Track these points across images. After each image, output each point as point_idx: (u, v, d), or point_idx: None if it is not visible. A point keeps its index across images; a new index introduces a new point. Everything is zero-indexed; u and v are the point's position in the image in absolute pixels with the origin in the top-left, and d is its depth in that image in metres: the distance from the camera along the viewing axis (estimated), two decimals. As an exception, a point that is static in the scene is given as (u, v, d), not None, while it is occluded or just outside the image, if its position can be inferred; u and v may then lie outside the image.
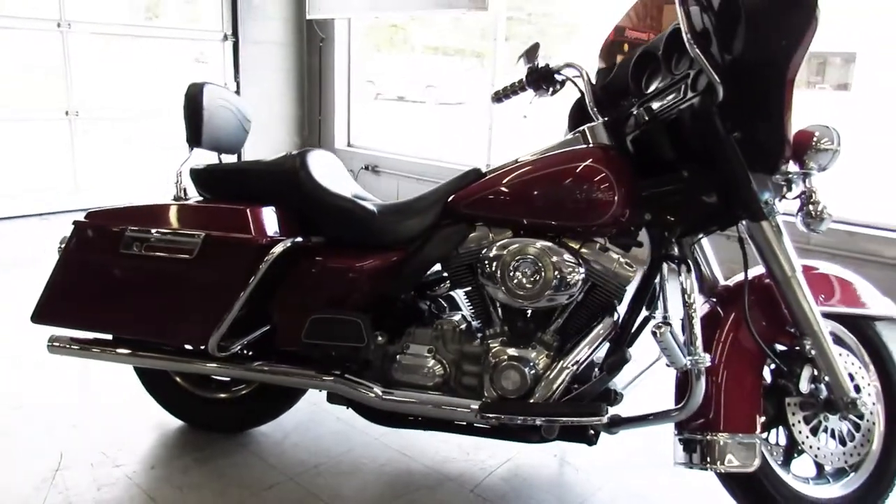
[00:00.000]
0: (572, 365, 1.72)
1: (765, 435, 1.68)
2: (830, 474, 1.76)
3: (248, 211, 1.78)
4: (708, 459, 1.60)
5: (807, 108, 1.81)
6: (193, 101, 1.91)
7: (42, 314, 1.87)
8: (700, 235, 1.77)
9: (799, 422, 1.69)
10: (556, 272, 1.66)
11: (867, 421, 1.72)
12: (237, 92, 5.70)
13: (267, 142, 5.96)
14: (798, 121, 1.65)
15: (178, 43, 5.58)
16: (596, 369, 1.79)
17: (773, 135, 1.56)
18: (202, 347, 1.78)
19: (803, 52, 1.50)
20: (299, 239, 1.81)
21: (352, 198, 1.91)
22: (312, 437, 2.13)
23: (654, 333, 1.51)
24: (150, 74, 5.38)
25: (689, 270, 1.62)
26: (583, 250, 1.73)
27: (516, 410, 1.69)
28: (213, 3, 5.59)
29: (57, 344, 1.95)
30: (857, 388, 1.68)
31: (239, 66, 5.70)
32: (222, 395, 2.11)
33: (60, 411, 2.21)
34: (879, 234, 3.47)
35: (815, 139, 1.62)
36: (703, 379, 1.55)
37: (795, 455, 1.74)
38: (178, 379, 2.11)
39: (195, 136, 1.92)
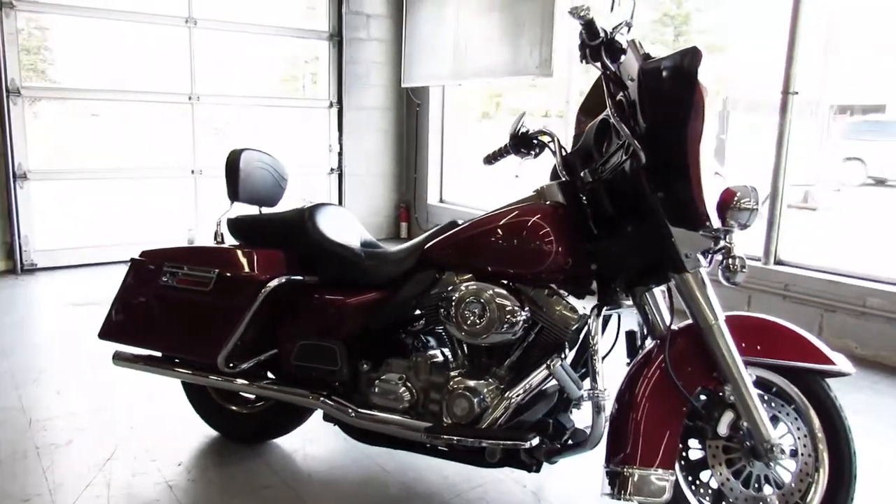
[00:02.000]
0: (516, 397, 1.92)
1: (674, 474, 1.76)
2: None
3: (253, 253, 2.18)
4: (622, 491, 1.74)
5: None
6: (232, 164, 2.34)
7: (105, 332, 2.34)
8: (651, 286, 1.93)
9: (720, 464, 1.79)
10: (500, 313, 1.89)
11: (802, 472, 1.79)
12: (340, 153, 6.34)
13: (367, 196, 6.53)
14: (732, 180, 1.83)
15: (291, 111, 6.32)
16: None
17: (686, 195, 1.74)
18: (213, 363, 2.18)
19: (700, 122, 1.68)
20: (293, 277, 2.17)
21: (345, 244, 2.23)
22: (317, 450, 2.45)
23: (547, 366, 1.70)
24: (268, 139, 6.13)
25: (598, 316, 1.80)
26: (532, 295, 1.95)
27: (454, 433, 1.91)
28: (322, 75, 6.31)
29: (119, 359, 2.41)
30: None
31: (343, 129, 6.34)
32: (244, 410, 2.49)
33: (125, 413, 2.69)
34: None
35: (735, 198, 1.77)
36: (602, 414, 1.72)
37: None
38: (212, 393, 2.51)
39: (233, 192, 2.34)
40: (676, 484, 1.78)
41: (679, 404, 1.79)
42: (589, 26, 1.66)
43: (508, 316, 1.90)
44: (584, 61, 1.75)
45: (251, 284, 2.12)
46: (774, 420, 1.83)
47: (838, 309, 3.63)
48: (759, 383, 1.85)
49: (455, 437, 1.90)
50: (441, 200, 6.59)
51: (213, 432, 2.55)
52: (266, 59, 6.21)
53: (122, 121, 5.66)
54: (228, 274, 2.16)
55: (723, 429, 1.79)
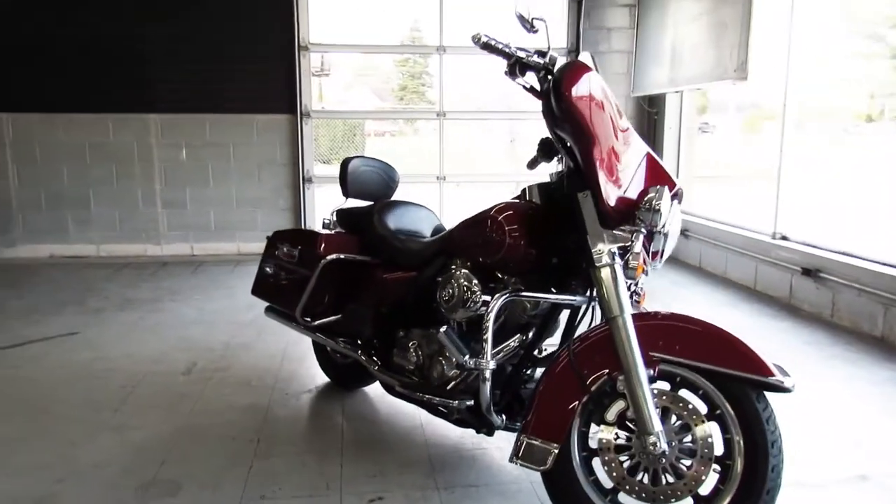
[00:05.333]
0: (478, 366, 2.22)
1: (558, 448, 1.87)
2: None
3: (329, 236, 2.79)
4: (515, 455, 1.94)
5: None
6: (343, 168, 2.98)
7: (253, 289, 3.19)
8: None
9: (609, 449, 1.88)
10: (461, 294, 2.22)
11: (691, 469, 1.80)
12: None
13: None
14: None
15: (530, 124, 6.85)
16: None
17: (594, 195, 1.89)
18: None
19: (588, 131, 1.82)
20: (346, 255, 2.73)
21: (395, 231, 2.71)
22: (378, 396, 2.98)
23: (436, 332, 1.99)
24: (506, 150, 6.77)
25: (498, 300, 2.01)
26: (506, 280, 2.22)
27: (411, 388, 2.30)
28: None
29: (269, 313, 3.25)
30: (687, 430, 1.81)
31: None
32: (342, 363, 3.13)
33: (273, 354, 3.55)
34: None
35: (644, 200, 1.86)
36: (487, 383, 1.95)
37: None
38: (327, 349, 3.21)
39: (344, 190, 3.00)
40: (566, 460, 1.90)
41: (577, 388, 1.92)
42: (487, 48, 1.91)
43: (468, 295, 2.21)
44: (506, 76, 2.00)
45: (316, 259, 2.74)
46: (685, 429, 1.85)
47: None
48: (686, 384, 1.88)
49: (411, 391, 2.30)
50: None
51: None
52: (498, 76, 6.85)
53: (378, 135, 6.84)
54: (305, 251, 2.82)
55: (611, 416, 1.88)
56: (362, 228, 2.83)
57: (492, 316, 2.01)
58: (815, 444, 2.59)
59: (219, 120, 6.27)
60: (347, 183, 2.93)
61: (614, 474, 1.88)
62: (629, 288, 2.18)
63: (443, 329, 2.08)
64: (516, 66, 1.95)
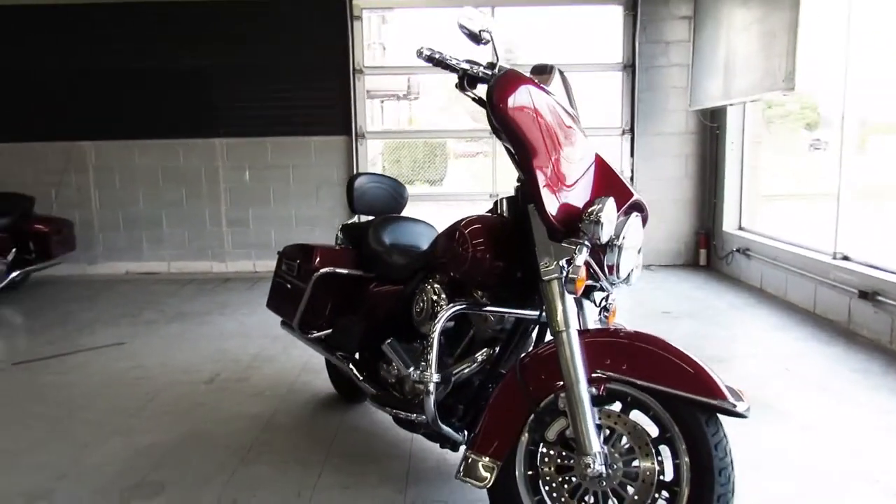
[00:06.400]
0: (445, 379, 2.21)
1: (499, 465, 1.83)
2: None
3: (316, 249, 2.86)
4: (459, 471, 1.91)
5: None
6: (349, 185, 3.06)
7: (267, 303, 3.30)
8: None
9: (550, 468, 1.82)
10: (429, 307, 2.23)
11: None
12: (631, 178, 6.50)
13: (665, 221, 6.55)
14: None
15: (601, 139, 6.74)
16: None
17: (538, 207, 1.85)
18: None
19: (524, 142, 1.79)
20: (338, 269, 2.78)
21: (390, 248, 2.75)
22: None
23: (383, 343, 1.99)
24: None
25: (446, 312, 1.99)
26: (476, 295, 2.21)
27: (378, 401, 2.31)
28: (615, 104, 6.58)
29: (283, 326, 3.36)
30: (631, 451, 1.75)
31: (634, 153, 6.49)
32: (343, 376, 3.18)
33: (293, 367, 3.64)
34: None
35: (585, 213, 1.80)
36: (431, 396, 1.93)
37: None
38: (334, 363, 3.27)
39: (351, 206, 3.08)
40: (508, 477, 1.85)
41: (523, 404, 1.87)
42: (433, 62, 1.92)
43: (436, 309, 2.21)
44: (457, 88, 2.00)
45: (310, 272, 2.82)
46: (631, 451, 1.77)
47: None
48: (637, 404, 1.80)
49: (380, 405, 2.31)
50: (740, 228, 6.17)
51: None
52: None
53: (469, 156, 6.89)
54: (302, 264, 2.90)
55: (551, 434, 1.82)
56: (360, 243, 2.89)
57: (437, 328, 2.00)
58: (827, 479, 2.40)
59: (279, 143, 6.56)
60: (354, 199, 2.99)
61: (554, 495, 1.81)
62: (600, 303, 2.13)
63: (388, 341, 2.08)
64: (464, 79, 1.95)
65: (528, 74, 1.97)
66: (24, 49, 6.44)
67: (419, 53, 1.90)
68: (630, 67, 6.43)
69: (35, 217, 5.90)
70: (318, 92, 6.46)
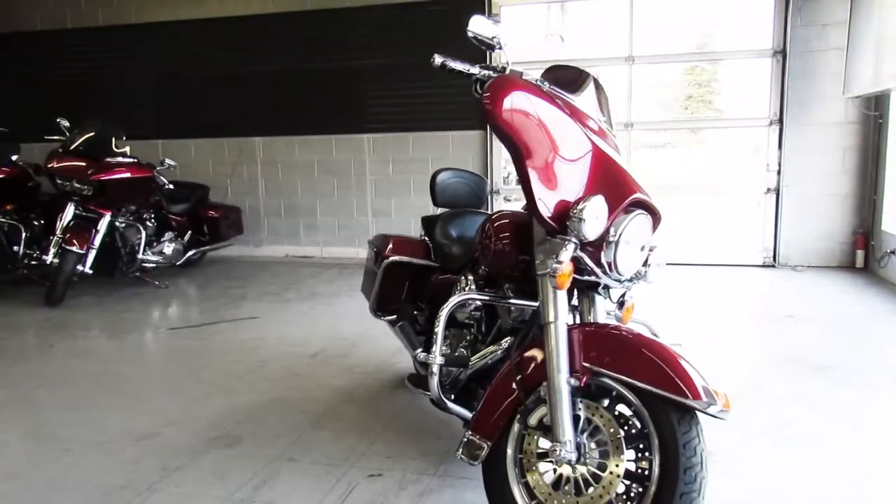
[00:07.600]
0: (461, 363, 2.38)
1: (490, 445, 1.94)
2: None
3: (390, 239, 3.09)
4: (458, 449, 2.05)
5: None
6: (433, 179, 3.29)
7: (361, 287, 3.61)
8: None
9: (532, 456, 1.90)
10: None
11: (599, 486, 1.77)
12: (778, 172, 6.06)
13: (817, 218, 6.10)
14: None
15: (729, 132, 6.37)
16: None
17: (530, 205, 1.94)
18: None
19: (517, 144, 1.88)
20: (404, 258, 2.99)
21: (454, 240, 2.91)
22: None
23: (394, 324, 2.15)
24: (699, 159, 6.40)
25: (452, 300, 2.12)
26: (505, 287, 2.33)
27: (413, 382, 2.50)
28: (763, 91, 6.14)
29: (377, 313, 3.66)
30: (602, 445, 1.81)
31: (782, 146, 6.03)
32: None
33: (389, 348, 3.92)
34: None
35: (573, 210, 1.87)
36: (434, 377, 2.07)
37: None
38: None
39: (433, 200, 3.30)
40: (500, 459, 1.96)
41: (516, 390, 1.97)
42: (444, 69, 2.05)
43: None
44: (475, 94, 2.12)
45: (380, 259, 3.06)
46: (603, 443, 1.82)
47: None
48: (621, 399, 1.85)
49: (414, 386, 2.50)
50: (902, 226, 5.54)
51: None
52: (681, 85, 6.50)
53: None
54: (378, 253, 3.15)
55: (533, 420, 1.90)
56: (431, 235, 3.09)
57: (443, 314, 2.15)
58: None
59: (420, 138, 6.93)
60: (436, 194, 3.20)
61: (535, 478, 1.90)
62: (618, 299, 2.18)
63: (399, 324, 2.26)
64: (477, 84, 2.07)
65: (537, 76, 2.05)
66: (210, 58, 7.37)
67: (433, 62, 2.05)
68: (780, 53, 5.98)
69: (209, 204, 6.78)
70: (456, 88, 6.71)
